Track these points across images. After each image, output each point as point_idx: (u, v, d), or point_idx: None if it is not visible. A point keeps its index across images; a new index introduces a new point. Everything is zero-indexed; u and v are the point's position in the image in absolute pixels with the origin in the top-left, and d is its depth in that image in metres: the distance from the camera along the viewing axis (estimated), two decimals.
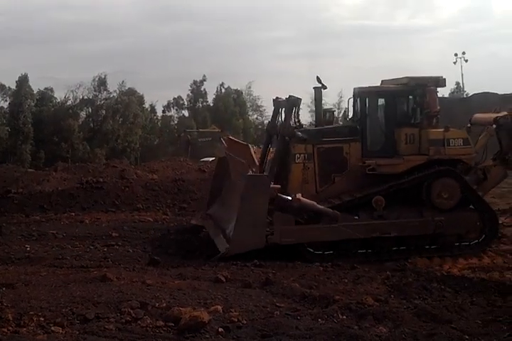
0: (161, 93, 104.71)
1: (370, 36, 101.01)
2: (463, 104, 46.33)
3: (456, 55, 63.98)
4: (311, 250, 12.72)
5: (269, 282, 10.17)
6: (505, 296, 9.56)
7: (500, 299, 9.46)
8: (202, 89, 64.54)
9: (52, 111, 50.45)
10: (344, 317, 8.17)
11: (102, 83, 53.51)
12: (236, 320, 7.91)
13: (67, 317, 7.73)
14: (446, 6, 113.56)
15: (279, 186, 12.75)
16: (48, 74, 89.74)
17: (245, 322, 7.88)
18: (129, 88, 56.29)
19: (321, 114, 14.40)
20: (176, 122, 62.93)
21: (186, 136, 37.44)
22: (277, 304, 8.88)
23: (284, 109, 13.77)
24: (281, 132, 13.48)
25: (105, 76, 53.51)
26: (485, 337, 7.47)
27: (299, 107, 13.47)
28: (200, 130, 43.75)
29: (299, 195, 12.44)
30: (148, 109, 60.79)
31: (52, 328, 7.30)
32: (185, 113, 64.27)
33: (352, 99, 14.14)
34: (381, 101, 14.11)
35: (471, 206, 13.65)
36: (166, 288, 9.53)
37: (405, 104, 14.00)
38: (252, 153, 14.63)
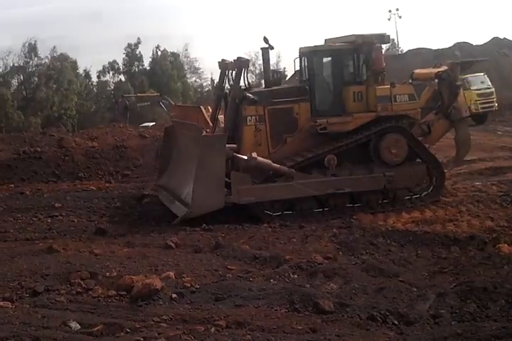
0: (94, 57, 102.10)
1: None
2: (398, 60, 47.10)
3: (390, 11, 64.52)
4: (269, 212, 12.84)
5: (219, 246, 10.23)
6: (448, 247, 9.94)
7: (444, 251, 9.85)
8: (137, 52, 63.11)
9: None
10: (295, 276, 8.36)
11: (32, 49, 51.53)
12: (189, 285, 7.99)
13: (15, 291, 7.60)
14: None
15: (235, 145, 12.76)
16: None
17: (198, 286, 7.96)
18: (61, 53, 54.49)
19: (269, 74, 14.20)
20: (112, 87, 61.51)
21: (124, 102, 36.47)
22: (229, 267, 8.98)
23: (231, 71, 13.62)
24: (232, 95, 13.37)
25: (35, 42, 51.55)
26: (432, 289, 7.75)
27: (247, 69, 13.40)
28: (139, 95, 42.75)
29: (254, 154, 12.46)
30: (83, 75, 59.15)
31: (1, 303, 7.17)
32: (122, 77, 62.87)
33: (298, 59, 14.10)
34: (328, 60, 14.12)
35: (418, 159, 14.07)
36: (115, 256, 9.45)
37: (352, 62, 14.03)
38: (205, 114, 14.43)
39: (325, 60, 14.18)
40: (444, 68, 14.68)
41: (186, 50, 67.00)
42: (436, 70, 14.74)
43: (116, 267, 8.65)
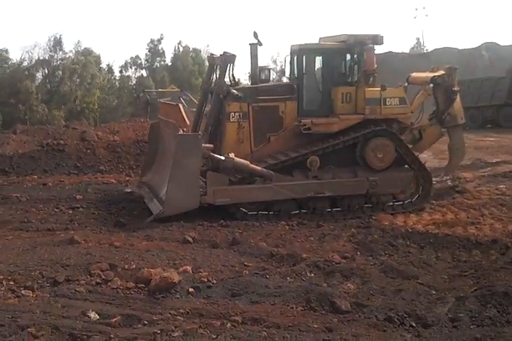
0: (117, 52, 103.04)
1: None
2: (423, 59, 46.84)
3: (416, 9, 64.42)
4: (245, 210, 12.62)
5: (236, 242, 10.26)
6: (469, 251, 9.85)
7: (464, 254, 9.75)
8: (159, 48, 63.31)
9: (8, 72, 48.93)
10: (312, 275, 8.34)
11: (57, 43, 51.85)
12: (206, 280, 8.01)
13: (37, 280, 7.69)
14: None
15: (211, 145, 12.54)
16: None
17: (215, 281, 7.98)
18: (85, 48, 54.77)
19: (257, 71, 13.85)
20: (134, 82, 61.74)
21: (145, 97, 36.62)
22: (245, 263, 9.01)
23: (219, 66, 13.32)
24: (216, 90, 13.09)
25: (60, 36, 51.85)
26: (451, 292, 7.70)
27: (234, 64, 13.07)
28: (160, 90, 42.95)
29: (232, 155, 12.21)
30: (106, 69, 59.47)
31: (23, 292, 7.27)
32: (144, 72, 63.10)
33: (289, 57, 13.81)
34: (319, 59, 13.74)
35: (405, 165, 13.70)
36: (135, 249, 9.54)
37: (343, 62, 13.68)
38: (183, 112, 14.01)
39: (315, 58, 13.80)
40: (440, 73, 14.34)
41: (208, 46, 67.15)
42: (432, 74, 14.40)
43: (135, 259, 8.75)
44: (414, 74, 15.16)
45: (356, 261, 9.05)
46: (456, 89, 14.34)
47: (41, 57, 51.22)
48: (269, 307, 7.08)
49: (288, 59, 13.90)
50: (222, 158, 12.21)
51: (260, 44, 13.27)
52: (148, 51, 62.83)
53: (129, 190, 15.33)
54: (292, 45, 13.70)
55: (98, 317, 6.57)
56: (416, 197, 13.63)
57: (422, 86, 14.93)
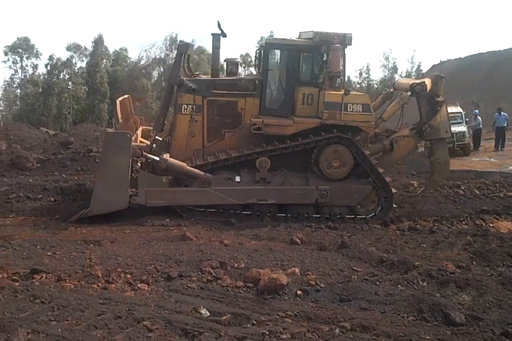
0: (228, 51, 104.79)
1: None
2: None
3: None
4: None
5: (344, 245, 10.12)
6: None
7: None
8: None
9: (126, 70, 51.31)
10: (425, 284, 8.07)
11: (172, 42, 53.65)
12: (314, 283, 8.01)
13: (152, 274, 7.98)
14: None
15: (143, 144, 12.14)
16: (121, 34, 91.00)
17: (323, 285, 7.95)
18: (198, 46, 56.22)
19: (218, 63, 13.35)
20: None
21: None
22: (354, 268, 8.89)
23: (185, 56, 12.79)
24: (168, 80, 12.65)
25: (176, 35, 53.59)
26: None
27: (187, 54, 12.64)
28: None
29: (166, 156, 11.78)
30: None
31: (139, 285, 7.58)
32: (253, 71, 63.87)
33: (259, 51, 13.16)
34: (284, 55, 12.86)
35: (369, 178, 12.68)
36: (243, 248, 9.69)
37: (309, 61, 12.79)
38: (118, 108, 13.29)
39: (280, 54, 12.97)
40: (421, 81, 13.12)
41: None
42: (412, 81, 13.22)
43: (244, 259, 8.90)
44: (399, 80, 14.06)
45: (472, 272, 8.61)
46: (440, 99, 13.04)
47: (157, 56, 53.27)
48: (378, 315, 6.95)
49: (259, 53, 13.24)
50: (157, 158, 11.85)
51: (224, 35, 12.68)
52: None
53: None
54: (265, 38, 12.88)
55: (209, 314, 6.72)
56: (371, 214, 12.66)
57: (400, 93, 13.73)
